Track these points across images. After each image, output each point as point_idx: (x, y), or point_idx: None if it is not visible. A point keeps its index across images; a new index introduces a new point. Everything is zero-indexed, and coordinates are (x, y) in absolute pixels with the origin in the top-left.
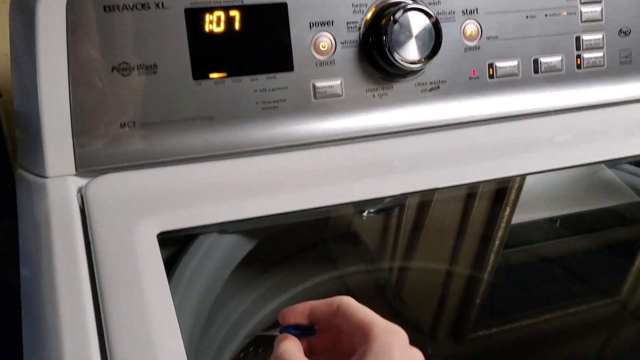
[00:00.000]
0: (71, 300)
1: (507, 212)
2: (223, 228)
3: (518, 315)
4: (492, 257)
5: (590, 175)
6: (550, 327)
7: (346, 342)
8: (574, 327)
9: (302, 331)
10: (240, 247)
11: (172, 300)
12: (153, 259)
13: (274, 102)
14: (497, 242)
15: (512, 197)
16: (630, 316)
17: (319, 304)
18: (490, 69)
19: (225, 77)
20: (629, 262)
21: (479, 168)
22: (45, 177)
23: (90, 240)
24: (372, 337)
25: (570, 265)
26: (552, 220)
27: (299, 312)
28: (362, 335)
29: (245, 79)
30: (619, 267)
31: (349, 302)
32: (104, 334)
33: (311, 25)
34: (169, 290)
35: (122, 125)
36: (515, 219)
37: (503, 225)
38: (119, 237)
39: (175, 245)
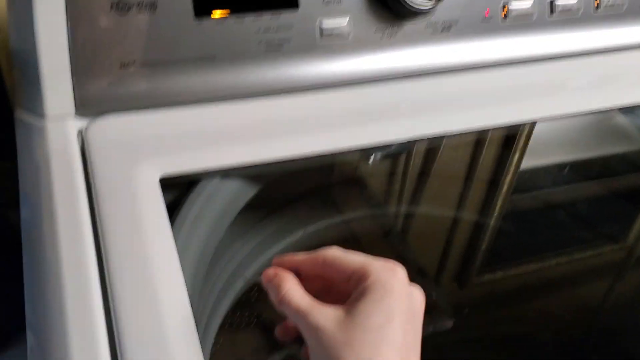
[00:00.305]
0: (72, 243)
1: (516, 158)
2: (226, 173)
3: (523, 261)
4: (499, 203)
5: (604, 121)
6: (555, 273)
7: (342, 288)
8: (579, 273)
9: None
10: (243, 192)
11: (174, 245)
12: (155, 203)
13: (277, 41)
14: (504, 188)
15: (522, 142)
16: (636, 262)
17: (304, 261)
18: (504, 9)
19: (227, 15)
20: (638, 209)
21: (490, 113)
22: (45, 117)
23: (91, 182)
24: (370, 277)
25: (578, 212)
26: (560, 166)
27: (287, 266)
28: (358, 279)
29: (248, 18)
30: (627, 213)
31: (334, 254)
32: (105, 277)
33: None
34: (171, 234)
35: (123, 65)
36: (524, 165)
37: (511, 170)
38: (120, 181)
39: (177, 190)
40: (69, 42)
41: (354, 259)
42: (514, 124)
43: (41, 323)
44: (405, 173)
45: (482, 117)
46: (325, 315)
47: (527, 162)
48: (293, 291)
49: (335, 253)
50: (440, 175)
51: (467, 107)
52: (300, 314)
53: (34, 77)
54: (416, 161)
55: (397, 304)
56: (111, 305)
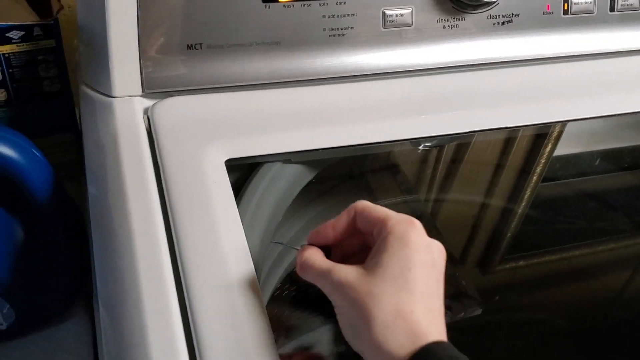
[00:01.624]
0: (142, 219)
1: (548, 148)
2: (288, 158)
3: (546, 250)
4: (528, 191)
5: None
6: (577, 263)
7: (371, 242)
8: (603, 263)
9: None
10: (302, 176)
11: (242, 225)
12: (222, 185)
13: (341, 29)
14: (535, 177)
15: (556, 132)
16: None
17: (338, 217)
18: (565, 4)
19: (294, 1)
20: None
21: (548, 108)
22: (112, 97)
23: (159, 163)
24: (388, 229)
25: (607, 201)
26: (592, 154)
27: (323, 230)
28: (379, 231)
29: (315, 4)
30: None
31: (364, 205)
32: (175, 253)
33: None
34: (239, 217)
35: (189, 47)
36: (556, 152)
37: (543, 160)
38: (188, 162)
39: (240, 171)
40: (138, 23)
41: (378, 210)
42: (572, 120)
43: (114, 298)
44: (438, 160)
45: (541, 112)
46: (345, 271)
47: (559, 151)
48: (313, 256)
49: (364, 204)
50: (472, 162)
51: (526, 100)
52: (323, 274)
53: (103, 57)
54: (450, 148)
55: (415, 255)
56: (183, 281)
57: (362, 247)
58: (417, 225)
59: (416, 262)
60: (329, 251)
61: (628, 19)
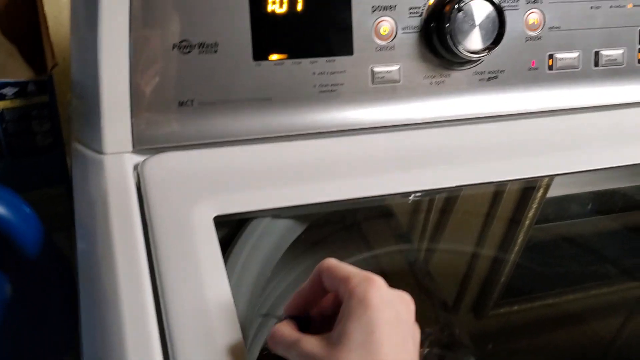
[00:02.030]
0: (130, 278)
1: (538, 198)
2: (277, 213)
3: (540, 295)
4: (520, 237)
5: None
6: (571, 307)
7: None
8: (595, 308)
9: (298, 320)
10: (291, 231)
11: (229, 286)
12: (210, 242)
13: (332, 85)
14: (527, 222)
15: (544, 184)
16: None
17: (307, 281)
18: (550, 60)
19: (285, 58)
20: None
21: (531, 163)
22: (103, 153)
23: (147, 219)
24: (349, 291)
25: (596, 246)
26: (581, 197)
27: (295, 298)
28: (343, 292)
29: (305, 61)
30: None
31: (328, 264)
32: (161, 311)
33: (373, 9)
34: (226, 275)
35: (181, 104)
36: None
37: (535, 206)
38: (176, 218)
39: (228, 227)
40: (130, 80)
41: (341, 269)
42: (558, 175)
43: (100, 355)
44: (431, 208)
45: (527, 166)
46: (312, 343)
47: (549, 193)
48: (281, 328)
49: (329, 262)
50: (463, 211)
51: (513, 155)
52: (290, 346)
53: (94, 114)
54: (441, 197)
55: (377, 315)
56: (168, 339)
57: (338, 305)
58: (378, 283)
59: (379, 323)
60: (309, 316)
61: (612, 74)
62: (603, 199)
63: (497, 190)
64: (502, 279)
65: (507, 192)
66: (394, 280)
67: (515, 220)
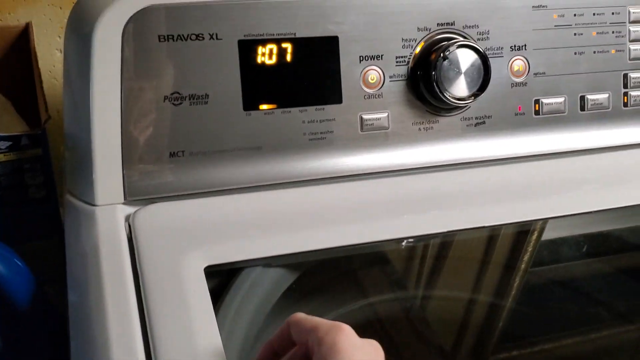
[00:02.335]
0: (121, 329)
1: (533, 238)
2: (268, 262)
3: (539, 339)
4: (517, 281)
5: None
6: (570, 352)
7: (310, 352)
8: (593, 352)
9: None
10: (283, 280)
11: (220, 338)
12: (200, 293)
13: (321, 133)
14: (522, 267)
15: (539, 223)
16: None
17: (275, 333)
18: (537, 105)
19: (275, 108)
20: None
21: (521, 208)
22: (94, 205)
23: (139, 270)
24: (318, 340)
25: (593, 289)
26: (577, 241)
27: (264, 352)
28: (312, 342)
29: (295, 110)
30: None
31: (296, 318)
32: None
33: (361, 58)
34: (217, 326)
35: (172, 155)
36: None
37: (530, 250)
38: (167, 269)
39: (220, 277)
40: (122, 132)
41: (309, 321)
42: (547, 219)
43: None
44: (425, 254)
45: (516, 211)
46: None
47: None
48: None
49: (297, 316)
50: (459, 256)
51: (502, 199)
52: None
53: (86, 167)
54: (436, 243)
55: (349, 358)
56: None
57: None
58: (346, 330)
59: None
60: None
61: (599, 118)
62: (596, 242)
63: (492, 234)
64: (500, 324)
65: (502, 237)
66: (390, 328)
67: (510, 265)
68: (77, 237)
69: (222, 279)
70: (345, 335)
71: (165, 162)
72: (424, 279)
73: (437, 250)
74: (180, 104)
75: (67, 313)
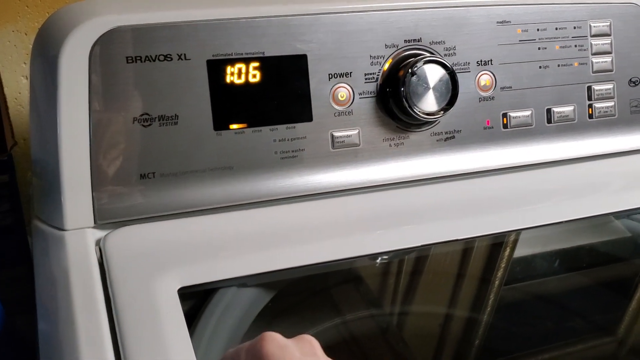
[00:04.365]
0: (93, 357)
1: (507, 253)
2: (243, 281)
3: (517, 354)
4: (491, 297)
5: (600, 226)
6: None
7: None
8: None
9: None
10: (258, 299)
11: (196, 358)
12: (174, 315)
13: (292, 151)
14: (496, 282)
15: (513, 237)
16: (628, 353)
17: None
18: (504, 119)
19: (245, 127)
20: (626, 300)
21: (492, 220)
22: (64, 230)
23: (111, 295)
24: (246, 351)
25: (568, 303)
26: (549, 256)
27: None
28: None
29: (265, 129)
30: (616, 304)
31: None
32: None
33: (330, 76)
34: (192, 348)
35: (142, 177)
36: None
37: (503, 265)
38: (139, 293)
39: (195, 298)
40: (90, 155)
41: (234, 349)
42: (517, 230)
43: None
44: (400, 271)
45: (486, 224)
46: None
47: (517, 253)
48: None
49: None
50: (433, 272)
51: (472, 213)
52: None
53: (55, 191)
54: (410, 260)
55: (283, 353)
56: None
57: None
58: (270, 336)
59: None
60: None
61: (565, 129)
62: (569, 257)
63: (466, 248)
64: (477, 341)
65: (475, 252)
66: (366, 347)
67: (485, 280)
68: (46, 263)
69: (196, 301)
70: (270, 340)
71: (135, 184)
72: (399, 296)
73: (412, 266)
74: (150, 125)
75: (37, 343)
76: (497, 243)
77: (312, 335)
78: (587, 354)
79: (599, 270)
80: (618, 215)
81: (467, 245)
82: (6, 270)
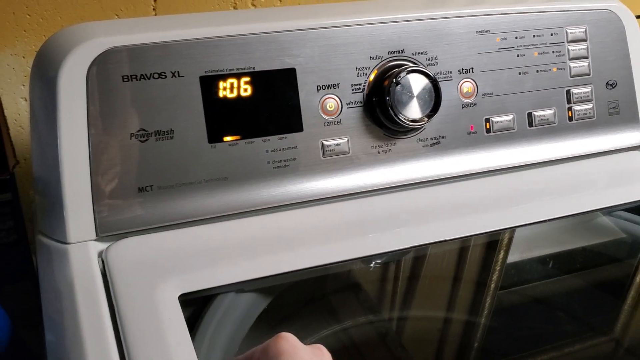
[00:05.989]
0: None
1: (501, 256)
2: (240, 287)
3: (515, 357)
4: (488, 300)
5: (587, 222)
6: None
7: None
8: None
9: None
10: (256, 304)
11: None
12: (176, 321)
13: (285, 161)
14: (492, 285)
15: (506, 240)
16: (625, 353)
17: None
18: (487, 124)
19: (239, 139)
20: (621, 300)
21: (481, 220)
22: (67, 243)
23: (114, 304)
24: (263, 351)
25: (564, 305)
26: (544, 259)
27: None
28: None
29: (258, 140)
30: (611, 304)
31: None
32: None
33: (318, 88)
34: (194, 352)
35: (140, 190)
36: (509, 259)
37: (498, 268)
38: (142, 301)
39: (195, 304)
40: (90, 171)
41: (251, 350)
42: (504, 229)
43: None
44: (397, 277)
45: (474, 224)
46: None
47: (512, 257)
48: None
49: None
50: (430, 276)
51: (460, 214)
52: None
53: (57, 206)
54: (406, 265)
55: (296, 354)
56: None
57: None
58: (286, 336)
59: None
60: None
61: (546, 132)
62: (564, 259)
63: (461, 252)
64: (475, 344)
65: (470, 256)
66: (366, 354)
67: (481, 283)
68: (51, 276)
69: (197, 307)
70: (285, 339)
71: (134, 197)
72: (398, 301)
73: (409, 271)
74: (147, 140)
75: (44, 356)
76: (492, 247)
77: (313, 342)
78: (585, 354)
79: (594, 272)
80: (601, 211)
81: (462, 250)
82: (11, 285)
